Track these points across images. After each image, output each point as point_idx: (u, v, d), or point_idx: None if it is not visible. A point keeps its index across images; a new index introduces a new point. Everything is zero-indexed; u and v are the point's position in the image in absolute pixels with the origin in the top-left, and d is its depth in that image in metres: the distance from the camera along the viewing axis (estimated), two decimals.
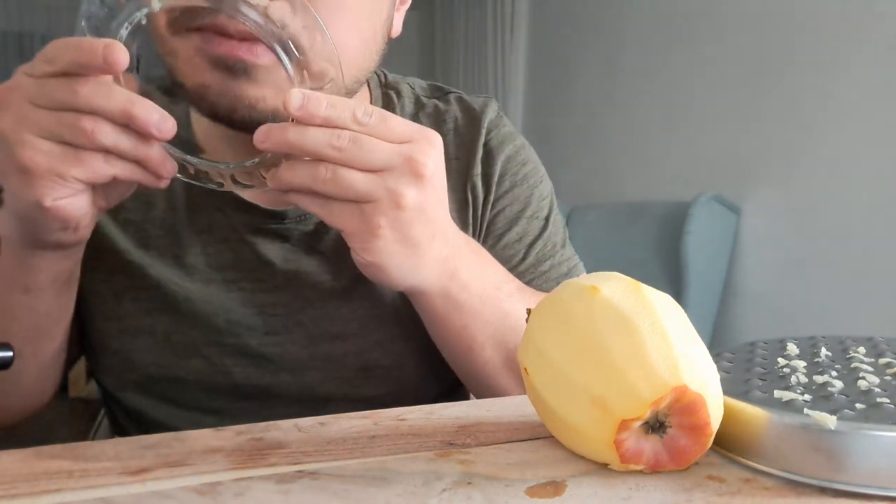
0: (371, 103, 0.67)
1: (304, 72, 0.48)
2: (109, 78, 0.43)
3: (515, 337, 0.55)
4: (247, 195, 0.61)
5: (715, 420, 0.32)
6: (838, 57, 1.98)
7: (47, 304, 0.54)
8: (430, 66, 4.07)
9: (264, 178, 0.50)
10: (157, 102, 0.44)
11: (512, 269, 0.65)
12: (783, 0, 2.15)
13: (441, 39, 4.02)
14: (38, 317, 0.55)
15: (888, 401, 0.32)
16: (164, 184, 0.47)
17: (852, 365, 0.38)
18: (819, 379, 0.36)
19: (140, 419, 0.65)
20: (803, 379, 0.36)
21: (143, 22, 0.47)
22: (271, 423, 0.41)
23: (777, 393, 0.34)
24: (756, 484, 0.32)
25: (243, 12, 0.46)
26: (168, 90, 0.61)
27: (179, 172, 0.49)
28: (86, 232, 0.49)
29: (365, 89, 0.67)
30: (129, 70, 0.43)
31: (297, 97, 0.44)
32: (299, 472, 0.33)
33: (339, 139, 0.45)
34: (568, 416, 0.33)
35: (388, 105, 0.68)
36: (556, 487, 0.32)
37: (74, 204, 0.45)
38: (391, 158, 0.46)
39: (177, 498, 0.31)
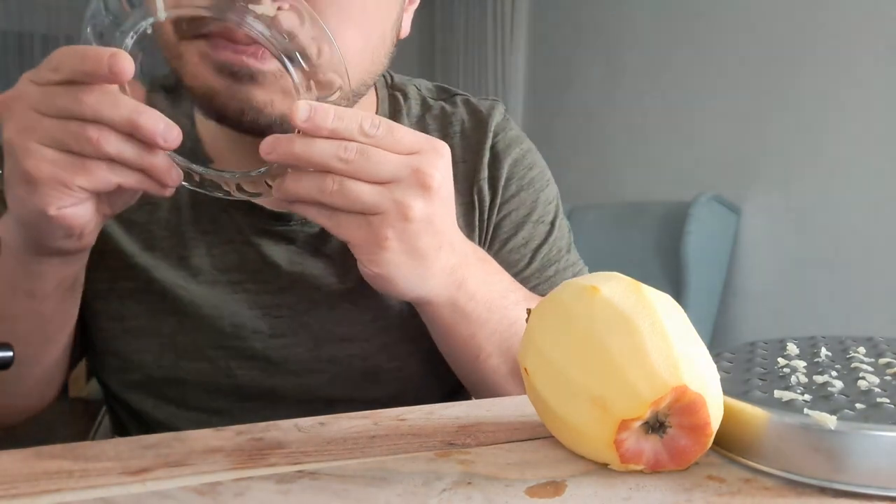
0: (377, 105, 0.67)
1: (311, 82, 0.47)
2: (115, 86, 0.43)
3: None
4: (247, 187, 0.61)
5: (715, 420, 0.32)
6: (839, 57, 1.98)
7: (51, 309, 0.55)
8: (430, 66, 4.07)
9: (270, 186, 0.50)
10: (162, 109, 0.44)
11: (517, 274, 0.65)
12: (783, 0, 2.15)
13: (441, 39, 4.01)
14: (43, 321, 0.55)
15: (888, 401, 0.32)
16: (168, 192, 0.47)
17: (852, 365, 0.38)
18: (819, 379, 0.36)
19: (143, 419, 0.65)
20: (803, 379, 0.36)
21: (149, 31, 0.47)
22: (271, 423, 0.41)
23: (777, 393, 0.34)
24: (756, 484, 0.32)
25: (249, 23, 0.46)
26: (173, 96, 0.61)
27: (185, 180, 0.49)
28: (90, 239, 0.49)
29: (371, 91, 0.67)
30: (134, 77, 0.43)
31: (303, 109, 0.44)
32: (299, 472, 0.33)
33: (346, 151, 0.45)
34: (568, 416, 0.33)
35: (394, 107, 0.68)
36: (556, 487, 0.32)
37: (79, 212, 0.45)
38: (398, 170, 0.46)
39: (177, 498, 0.31)
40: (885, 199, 1.86)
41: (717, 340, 2.26)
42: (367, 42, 0.55)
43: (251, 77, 0.49)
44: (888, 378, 0.36)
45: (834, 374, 0.37)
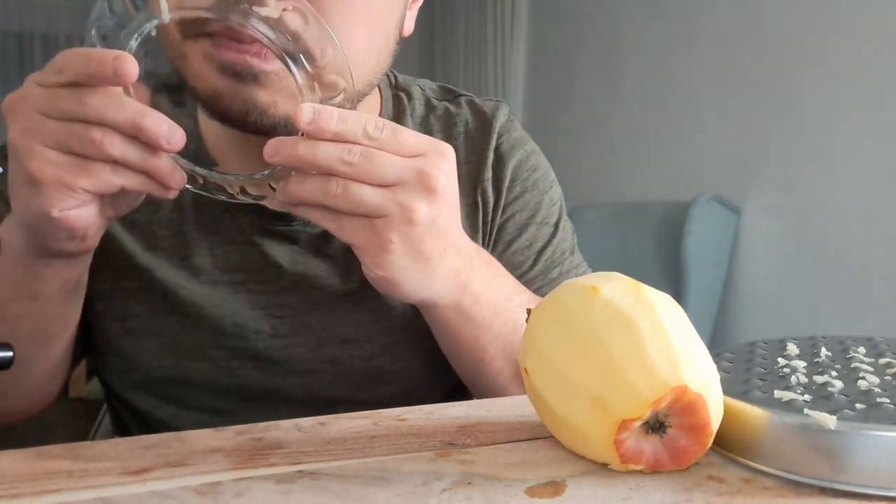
0: (381, 105, 0.67)
1: (315, 83, 0.47)
2: (119, 88, 0.43)
3: None
4: (251, 190, 0.61)
5: (715, 420, 0.32)
6: (839, 57, 1.98)
7: (54, 310, 0.55)
8: (430, 66, 4.07)
9: (274, 189, 0.50)
10: (166, 111, 0.44)
11: (521, 276, 0.65)
12: (783, 1, 2.15)
13: (441, 39, 4.02)
14: (46, 322, 0.55)
15: (888, 401, 0.32)
16: (172, 195, 0.47)
17: (852, 365, 0.38)
18: (819, 379, 0.36)
19: (145, 419, 0.65)
20: (803, 379, 0.36)
21: (153, 33, 0.47)
22: (271, 423, 0.41)
23: (777, 393, 0.34)
24: (756, 484, 0.32)
25: (253, 25, 0.46)
26: (177, 96, 0.61)
27: (189, 183, 0.49)
28: (93, 241, 0.49)
29: (375, 91, 0.67)
30: (138, 79, 0.43)
31: (307, 112, 0.44)
32: (299, 472, 0.33)
33: (350, 154, 0.44)
34: (568, 416, 0.33)
35: (398, 107, 0.68)
36: (556, 487, 0.32)
37: (82, 214, 0.45)
38: (403, 173, 0.46)
39: (177, 498, 0.31)
40: (885, 199, 1.86)
41: (717, 340, 2.26)
42: (371, 42, 0.55)
43: (255, 77, 0.49)
44: (888, 378, 0.36)
45: (834, 374, 0.37)
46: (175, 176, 0.46)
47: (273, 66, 0.49)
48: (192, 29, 0.50)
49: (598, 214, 2.45)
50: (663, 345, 0.32)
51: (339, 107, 0.47)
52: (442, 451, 0.36)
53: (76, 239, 0.47)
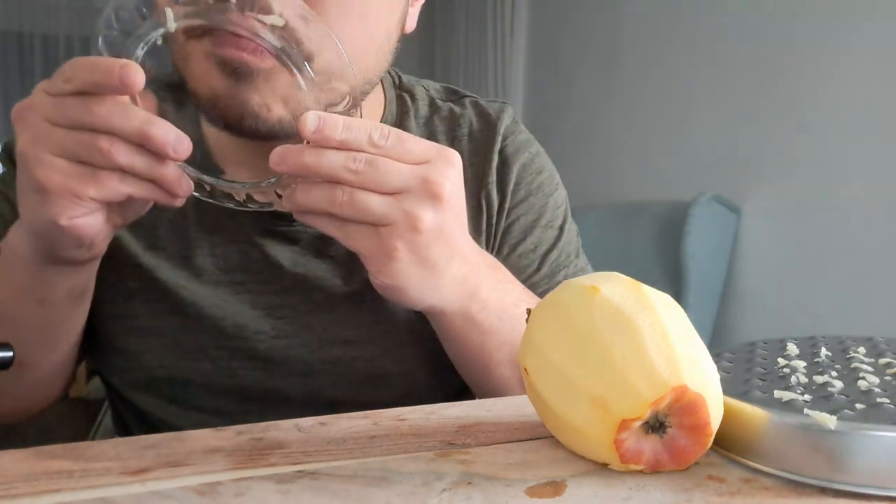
0: (385, 105, 0.67)
1: (320, 90, 0.47)
2: (127, 97, 0.44)
3: None
4: (257, 197, 0.61)
5: (715, 420, 0.32)
6: (839, 57, 1.98)
7: (62, 315, 0.55)
8: (430, 66, 4.07)
9: (280, 196, 0.50)
10: (172, 118, 0.44)
11: (526, 279, 0.65)
12: (783, 1, 2.15)
13: (441, 39, 4.02)
14: (53, 326, 0.55)
15: (888, 401, 0.32)
16: (179, 202, 0.47)
17: (852, 365, 0.38)
18: (819, 379, 0.36)
19: (146, 419, 0.65)
20: (803, 379, 0.36)
21: (159, 42, 0.47)
22: (271, 423, 0.41)
23: (777, 393, 0.34)
24: (756, 484, 0.32)
25: (259, 34, 0.46)
26: (184, 104, 0.61)
27: (196, 190, 0.49)
28: (101, 248, 0.50)
29: (379, 90, 0.67)
30: (145, 88, 0.43)
31: (312, 120, 0.44)
32: (299, 472, 0.33)
33: (355, 162, 0.44)
34: (568, 416, 0.33)
35: (402, 108, 0.68)
36: (556, 487, 0.32)
37: (89, 222, 0.45)
38: (408, 180, 0.46)
39: (177, 498, 0.31)
40: (885, 199, 1.86)
41: (717, 340, 2.26)
42: (371, 40, 0.55)
43: (249, 75, 0.49)
44: (888, 378, 0.36)
45: (834, 374, 0.37)
46: (182, 184, 0.46)
47: (267, 63, 0.49)
48: (196, 30, 0.50)
49: (598, 214, 2.44)
50: (663, 345, 0.32)
51: (344, 113, 0.47)
52: (442, 451, 0.36)
53: (84, 246, 0.47)
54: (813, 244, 2.04)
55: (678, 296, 2.08)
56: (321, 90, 0.47)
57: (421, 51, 4.07)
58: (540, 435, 0.38)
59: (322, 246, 0.62)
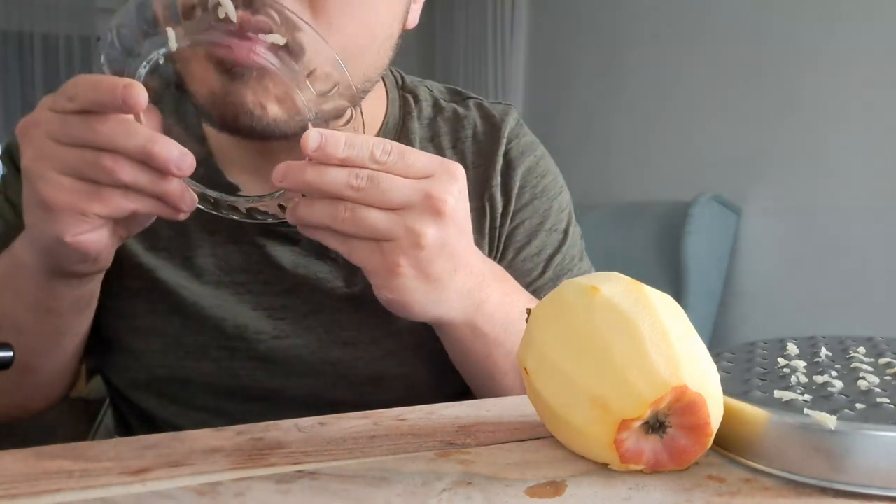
0: (388, 106, 0.67)
1: (321, 107, 0.48)
2: (130, 115, 0.44)
3: None
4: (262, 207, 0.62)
5: (715, 420, 0.32)
6: (839, 56, 1.98)
7: (68, 323, 0.56)
8: (430, 66, 4.07)
9: (283, 208, 0.50)
10: (175, 120, 0.45)
11: (531, 283, 0.65)
12: (784, 0, 2.15)
13: (441, 39, 4.01)
14: (59, 334, 0.56)
15: (888, 401, 0.32)
16: (183, 216, 0.47)
17: (852, 365, 0.38)
18: (819, 379, 0.36)
19: (147, 419, 0.65)
20: (803, 379, 0.36)
21: (161, 62, 0.47)
22: (271, 423, 0.41)
23: (777, 393, 0.34)
24: (756, 484, 0.32)
25: (261, 54, 0.47)
26: (186, 105, 0.61)
27: (201, 203, 0.50)
28: (107, 262, 0.50)
29: (381, 90, 0.66)
30: (149, 103, 0.44)
31: (314, 138, 0.44)
32: (299, 472, 0.33)
33: (357, 179, 0.45)
34: (568, 416, 0.33)
35: (405, 108, 0.68)
36: (556, 487, 0.32)
37: (95, 238, 0.46)
38: (410, 196, 0.46)
39: (177, 498, 0.31)
40: (885, 199, 1.86)
41: (717, 340, 2.26)
42: (373, 36, 0.55)
43: (242, 74, 0.49)
44: (888, 378, 0.36)
45: (834, 374, 0.37)
46: (186, 198, 0.46)
47: (261, 62, 0.49)
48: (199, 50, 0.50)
49: (598, 214, 2.44)
50: (663, 345, 0.32)
51: (344, 121, 0.47)
52: (442, 451, 0.36)
53: (89, 261, 0.48)
54: (813, 244, 2.04)
55: (678, 296, 2.08)
56: (324, 108, 0.48)
57: (421, 51, 4.07)
58: (540, 435, 0.38)
59: (323, 247, 0.62)
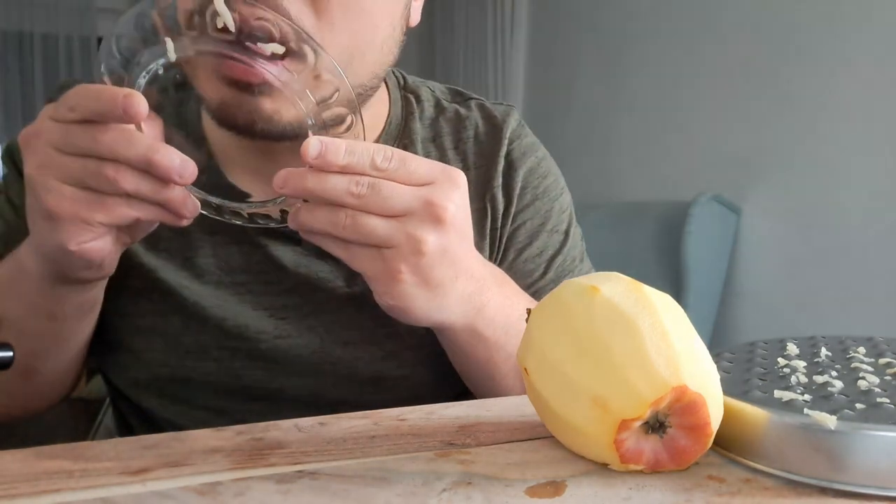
0: (390, 106, 0.67)
1: (322, 115, 0.49)
2: (131, 124, 0.44)
3: None
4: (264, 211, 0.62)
5: (715, 420, 0.32)
6: (839, 56, 1.98)
7: (72, 328, 0.56)
8: (430, 66, 4.07)
9: (285, 212, 0.51)
10: (175, 120, 0.45)
11: (532, 284, 0.65)
12: (784, 0, 2.15)
13: (441, 40, 4.01)
14: (63, 339, 0.57)
15: (888, 401, 0.32)
16: (185, 223, 0.48)
17: (852, 365, 0.38)
18: (819, 379, 0.36)
19: (149, 418, 0.65)
20: (803, 379, 0.36)
21: (161, 72, 0.48)
22: (271, 423, 0.41)
23: (777, 393, 0.34)
24: (756, 484, 0.32)
25: (261, 64, 0.47)
26: (185, 104, 0.62)
27: (203, 209, 0.50)
28: (110, 268, 0.50)
29: (384, 91, 0.66)
30: (150, 110, 0.44)
31: (314, 146, 0.44)
32: (299, 472, 0.33)
33: (357, 186, 0.45)
34: (568, 416, 0.33)
35: (407, 109, 0.68)
36: (556, 487, 0.32)
37: (98, 245, 0.46)
38: (411, 203, 0.46)
39: (177, 498, 0.31)
40: (885, 199, 1.86)
41: (717, 340, 2.25)
42: (376, 35, 0.55)
43: (259, 90, 0.50)
44: (888, 378, 0.36)
45: (834, 374, 0.37)
46: (188, 205, 0.47)
47: (260, 78, 0.49)
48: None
49: (598, 214, 2.44)
50: (663, 345, 0.32)
51: (346, 121, 0.48)
52: (442, 451, 0.36)
53: (93, 268, 0.48)
54: (813, 244, 2.04)
55: (678, 296, 2.08)
56: (324, 116, 0.48)
57: (421, 51, 4.06)
58: (540, 435, 0.38)
59: None
